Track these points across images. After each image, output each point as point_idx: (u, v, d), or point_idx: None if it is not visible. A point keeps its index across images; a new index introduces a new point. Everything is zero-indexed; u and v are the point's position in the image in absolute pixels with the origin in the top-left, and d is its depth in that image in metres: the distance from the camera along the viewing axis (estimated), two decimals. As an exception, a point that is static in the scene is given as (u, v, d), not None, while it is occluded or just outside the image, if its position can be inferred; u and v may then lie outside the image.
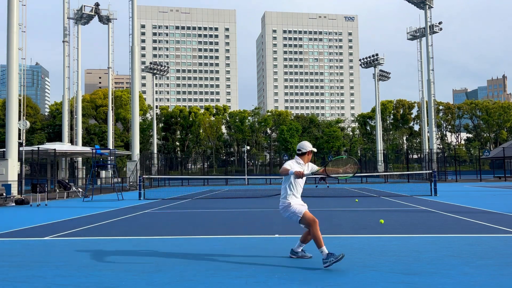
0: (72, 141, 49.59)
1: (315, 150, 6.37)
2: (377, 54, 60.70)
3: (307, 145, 6.33)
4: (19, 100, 26.14)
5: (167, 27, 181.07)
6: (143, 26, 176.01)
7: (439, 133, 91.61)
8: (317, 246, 5.95)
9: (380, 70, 62.53)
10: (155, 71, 61.16)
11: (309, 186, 37.95)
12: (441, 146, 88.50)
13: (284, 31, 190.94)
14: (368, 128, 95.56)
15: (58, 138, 61.91)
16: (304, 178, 6.17)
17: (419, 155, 78.27)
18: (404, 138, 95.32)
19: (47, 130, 79.58)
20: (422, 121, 59.48)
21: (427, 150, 51.56)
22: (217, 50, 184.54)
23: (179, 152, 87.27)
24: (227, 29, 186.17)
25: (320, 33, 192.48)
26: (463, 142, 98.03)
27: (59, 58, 53.70)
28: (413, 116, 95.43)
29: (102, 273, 5.76)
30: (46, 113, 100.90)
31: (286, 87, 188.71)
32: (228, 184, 47.51)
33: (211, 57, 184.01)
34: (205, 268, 5.96)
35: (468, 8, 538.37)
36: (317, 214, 13.13)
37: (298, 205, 6.16)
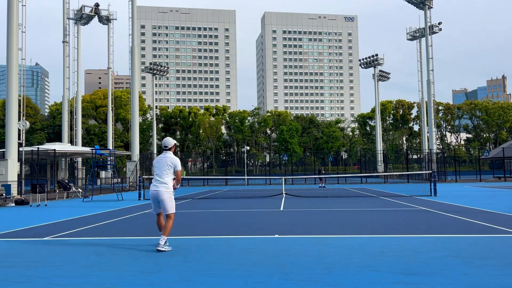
0: (72, 141, 49.55)
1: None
2: (376, 55, 60.70)
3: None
4: (19, 100, 26.15)
5: (167, 28, 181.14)
6: (143, 27, 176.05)
7: (438, 133, 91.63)
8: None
9: (380, 71, 62.53)
10: (155, 71, 61.14)
11: (316, 186, 37.97)
12: (441, 147, 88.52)
13: (284, 32, 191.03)
14: (367, 128, 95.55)
15: (58, 138, 61.87)
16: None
17: (418, 156, 78.26)
18: (404, 138, 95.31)
19: (47, 130, 79.55)
20: (421, 121, 59.48)
21: (427, 151, 51.56)
22: (216, 51, 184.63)
23: (178, 153, 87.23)
24: (227, 30, 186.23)
25: (320, 33, 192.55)
26: (462, 142, 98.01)
27: (59, 58, 53.61)
28: (412, 116, 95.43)
29: (102, 273, 5.76)
30: (46, 114, 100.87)
31: (286, 87, 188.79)
32: (228, 184, 47.51)
33: (211, 57, 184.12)
34: (205, 268, 5.97)
35: (468, 8, 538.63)
36: (317, 214, 13.13)
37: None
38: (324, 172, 39.81)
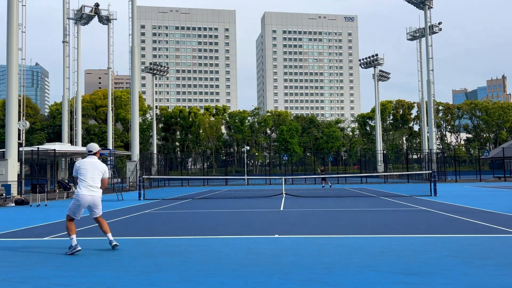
0: (72, 141, 49.52)
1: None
2: (376, 55, 60.69)
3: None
4: (19, 100, 26.14)
5: (167, 27, 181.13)
6: (143, 27, 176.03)
7: (438, 133, 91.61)
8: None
9: (380, 71, 62.52)
10: (155, 71, 61.12)
11: (316, 186, 37.96)
12: (441, 146, 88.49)
13: (284, 32, 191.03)
14: (367, 128, 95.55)
15: (58, 138, 61.84)
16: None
17: (418, 155, 78.23)
18: (404, 138, 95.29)
19: (47, 130, 79.54)
20: (421, 121, 59.47)
21: (427, 150, 51.55)
22: (217, 51, 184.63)
23: (179, 153, 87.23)
24: (227, 30, 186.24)
25: (320, 33, 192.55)
26: (462, 142, 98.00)
27: (59, 58, 53.56)
28: (412, 116, 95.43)
29: (102, 273, 5.76)
30: (46, 114, 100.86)
31: (286, 87, 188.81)
32: (228, 184, 47.52)
33: (211, 57, 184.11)
34: (205, 268, 5.97)
35: (468, 8, 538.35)
36: (317, 214, 13.13)
37: None
38: (324, 172, 39.65)
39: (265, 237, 8.75)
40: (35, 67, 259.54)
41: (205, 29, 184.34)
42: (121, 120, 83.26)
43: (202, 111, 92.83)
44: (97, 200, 7.47)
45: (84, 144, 63.79)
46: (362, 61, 62.38)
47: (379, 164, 56.15)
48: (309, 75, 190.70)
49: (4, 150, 24.10)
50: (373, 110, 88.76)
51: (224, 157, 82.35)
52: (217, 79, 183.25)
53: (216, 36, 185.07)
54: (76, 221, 12.38)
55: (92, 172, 7.45)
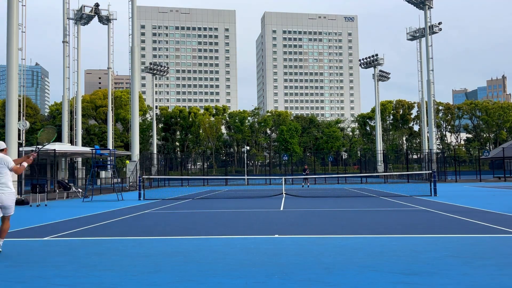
0: (72, 141, 49.52)
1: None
2: (376, 55, 60.69)
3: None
4: (19, 100, 26.14)
5: (167, 28, 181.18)
6: (143, 27, 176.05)
7: (438, 133, 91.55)
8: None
9: (380, 71, 62.52)
10: (155, 71, 61.14)
11: (316, 187, 37.94)
12: (441, 147, 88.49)
13: (284, 32, 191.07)
14: (367, 128, 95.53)
15: (58, 138, 61.77)
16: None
17: (418, 155, 78.20)
18: (404, 138, 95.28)
19: (47, 130, 79.43)
20: (421, 121, 59.49)
21: (427, 151, 51.56)
22: (216, 51, 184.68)
23: (179, 153, 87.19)
24: (227, 30, 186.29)
25: (320, 33, 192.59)
26: (462, 142, 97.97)
27: (59, 58, 53.57)
28: (412, 116, 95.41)
29: (102, 273, 5.76)
30: (46, 114, 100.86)
31: (286, 87, 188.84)
32: (228, 184, 47.51)
33: (211, 58, 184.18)
34: (205, 268, 5.97)
35: (468, 8, 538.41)
36: (317, 214, 13.13)
37: None
38: (308, 171, 39.19)
39: (265, 237, 8.75)
40: (35, 67, 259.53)
41: (205, 29, 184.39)
42: (121, 120, 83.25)
43: (202, 111, 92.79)
44: (9, 199, 7.45)
45: (84, 144, 63.79)
46: (362, 61, 62.39)
47: (379, 164, 56.14)
48: (309, 75, 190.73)
49: (4, 150, 24.07)
50: (373, 110, 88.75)
51: (224, 157, 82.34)
52: (217, 79, 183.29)
53: (216, 36, 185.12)
54: (74, 222, 12.42)
55: (1, 169, 7.45)
